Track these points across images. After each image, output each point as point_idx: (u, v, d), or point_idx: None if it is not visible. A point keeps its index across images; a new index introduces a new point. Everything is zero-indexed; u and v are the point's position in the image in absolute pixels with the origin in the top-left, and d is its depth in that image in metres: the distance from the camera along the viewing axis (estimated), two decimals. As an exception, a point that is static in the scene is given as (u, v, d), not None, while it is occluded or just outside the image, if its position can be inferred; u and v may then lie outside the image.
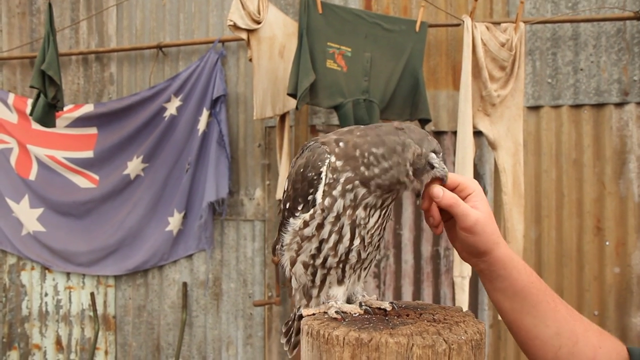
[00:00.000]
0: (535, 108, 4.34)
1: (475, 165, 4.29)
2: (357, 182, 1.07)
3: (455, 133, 4.29)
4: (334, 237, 1.10)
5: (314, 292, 1.16)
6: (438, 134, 4.50)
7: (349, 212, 1.08)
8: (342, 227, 1.09)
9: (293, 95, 3.58)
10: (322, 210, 1.09)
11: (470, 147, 3.69)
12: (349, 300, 1.20)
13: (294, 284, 1.21)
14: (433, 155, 1.08)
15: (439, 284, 4.46)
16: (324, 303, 1.16)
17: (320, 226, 1.10)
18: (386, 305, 1.16)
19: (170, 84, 4.87)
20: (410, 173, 1.07)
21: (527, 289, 1.12)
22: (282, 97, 4.07)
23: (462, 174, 3.65)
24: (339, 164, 1.08)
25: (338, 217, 1.09)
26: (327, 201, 1.09)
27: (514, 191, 3.83)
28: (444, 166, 1.10)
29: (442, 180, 1.10)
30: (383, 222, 1.13)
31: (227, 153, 4.76)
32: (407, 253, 4.52)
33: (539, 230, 4.32)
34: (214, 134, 4.78)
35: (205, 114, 4.78)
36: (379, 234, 1.14)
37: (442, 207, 1.09)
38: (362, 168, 1.07)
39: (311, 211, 1.11)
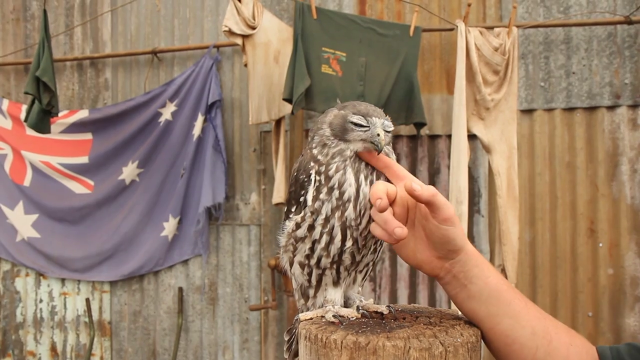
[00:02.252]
0: (528, 111, 4.38)
1: (469, 169, 4.32)
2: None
3: (449, 137, 4.32)
4: (325, 238, 1.11)
5: (311, 292, 1.18)
6: (433, 138, 4.53)
7: (337, 213, 1.10)
8: (332, 229, 1.10)
9: (288, 100, 3.60)
10: (312, 213, 1.11)
11: (465, 151, 3.72)
12: (346, 304, 1.21)
13: (293, 284, 1.23)
14: (357, 116, 1.11)
15: (434, 287, 4.47)
16: (322, 307, 1.17)
17: (311, 227, 1.12)
18: (383, 308, 1.17)
19: (166, 89, 4.88)
20: (328, 133, 1.13)
21: (500, 287, 1.09)
22: (278, 102, 4.09)
23: (457, 177, 3.67)
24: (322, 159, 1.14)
25: (327, 219, 1.10)
26: (316, 204, 1.11)
27: (508, 194, 3.85)
28: (376, 131, 1.10)
29: (373, 145, 1.09)
30: None
31: (224, 158, 4.77)
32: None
33: (533, 232, 4.35)
34: (209, 139, 4.79)
35: (200, 119, 4.79)
36: (375, 237, 1.14)
37: (423, 199, 1.04)
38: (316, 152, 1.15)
39: (302, 213, 1.13)
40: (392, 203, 1.08)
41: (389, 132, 1.13)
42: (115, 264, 5.05)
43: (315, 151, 1.15)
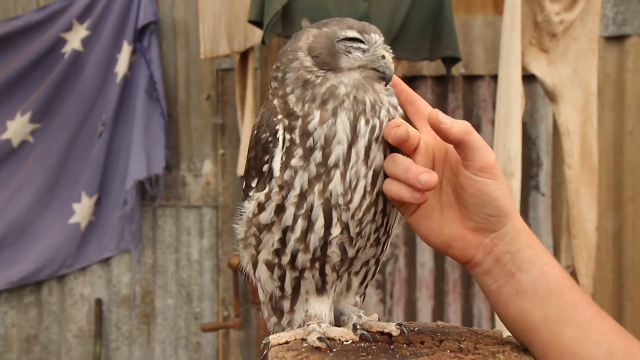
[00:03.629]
0: (617, 39, 4.38)
1: (524, 125, 4.34)
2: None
3: (495, 78, 4.32)
4: (301, 224, 1.12)
5: (286, 304, 1.20)
6: (470, 80, 4.52)
7: (317, 186, 1.10)
8: (310, 209, 1.11)
9: (258, 23, 3.58)
10: (281, 188, 1.12)
11: (518, 99, 3.72)
12: (337, 321, 1.23)
13: (260, 294, 1.24)
14: (351, 31, 1.13)
15: (470, 296, 4.53)
16: (302, 325, 1.18)
17: (280, 209, 1.12)
18: (392, 328, 1.19)
19: (71, 3, 4.83)
20: (309, 62, 1.14)
21: (562, 279, 1.11)
22: (243, 26, 4.06)
23: (506, 138, 3.68)
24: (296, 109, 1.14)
25: (303, 195, 1.11)
26: (286, 174, 1.11)
27: (582, 163, 3.88)
28: (379, 51, 1.13)
29: (377, 73, 1.12)
30: (379, 202, 1.14)
31: (162, 109, 4.75)
32: (424, 252, 4.58)
33: (619, 219, 4.39)
34: (140, 80, 4.77)
35: (126, 50, 4.74)
36: (375, 219, 1.15)
37: (452, 137, 1.07)
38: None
39: (266, 189, 1.14)
40: (413, 152, 1.11)
41: (389, 52, 1.15)
42: None
43: (291, 97, 1.15)
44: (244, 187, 1.22)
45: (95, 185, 4.92)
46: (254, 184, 1.17)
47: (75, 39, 4.84)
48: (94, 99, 4.88)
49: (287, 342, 1.16)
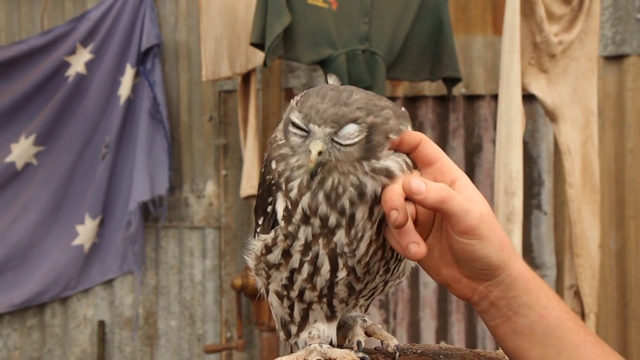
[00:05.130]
0: (616, 58, 4.39)
1: (525, 145, 4.34)
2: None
3: (496, 97, 4.33)
4: (307, 268, 1.13)
5: (293, 329, 1.21)
6: (471, 100, 4.54)
7: (322, 240, 1.11)
8: (316, 257, 1.12)
9: (259, 45, 3.60)
10: (285, 237, 1.13)
11: (519, 119, 3.73)
12: (343, 328, 1.25)
13: (273, 313, 1.26)
14: (297, 115, 1.07)
15: (474, 316, 4.52)
16: (304, 346, 1.19)
17: (286, 253, 1.14)
18: (391, 343, 1.20)
19: (75, 27, 4.86)
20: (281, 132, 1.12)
21: (563, 322, 1.11)
22: (245, 49, 4.08)
23: (507, 158, 3.69)
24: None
25: (308, 246, 1.12)
26: (290, 227, 1.12)
27: (584, 182, 3.88)
28: (311, 144, 1.04)
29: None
30: (385, 243, 1.14)
31: (166, 130, 4.78)
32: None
33: (622, 238, 4.39)
34: (144, 102, 4.79)
35: (129, 72, 4.77)
36: (384, 256, 1.16)
37: (428, 206, 1.06)
38: None
39: (272, 233, 1.15)
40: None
41: (344, 145, 1.05)
42: (2, 288, 5.04)
43: (275, 153, 1.14)
44: (255, 218, 1.22)
45: (99, 207, 4.93)
46: (260, 222, 1.19)
47: (79, 63, 4.87)
48: (98, 121, 4.90)
49: (289, 365, 1.17)
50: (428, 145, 1.11)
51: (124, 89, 4.79)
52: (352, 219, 1.08)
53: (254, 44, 3.63)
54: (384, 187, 1.07)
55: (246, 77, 4.32)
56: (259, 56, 4.00)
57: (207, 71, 4.13)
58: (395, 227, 1.05)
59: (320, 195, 1.08)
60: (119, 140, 4.87)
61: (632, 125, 4.39)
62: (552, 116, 3.94)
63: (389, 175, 1.07)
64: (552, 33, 3.85)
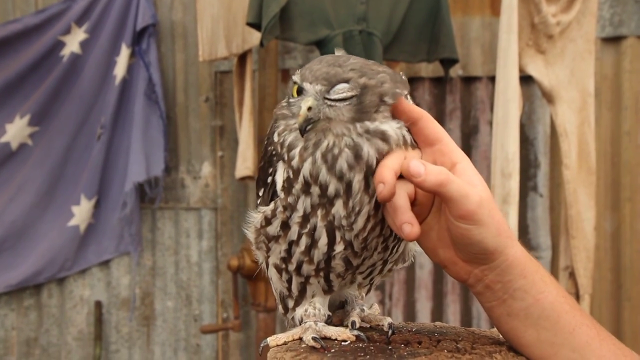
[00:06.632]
0: (614, 40, 4.38)
1: (522, 127, 4.34)
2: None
3: (493, 79, 4.33)
4: (305, 241, 1.14)
5: (290, 303, 1.23)
6: (468, 81, 4.53)
7: (320, 211, 1.12)
8: (314, 229, 1.13)
9: (256, 25, 3.58)
10: (285, 208, 1.14)
11: (516, 100, 3.73)
12: (342, 307, 1.26)
13: (272, 288, 1.28)
14: (296, 75, 1.13)
15: (469, 298, 4.54)
16: (299, 324, 1.20)
17: (285, 225, 1.15)
18: (384, 323, 1.21)
19: (69, 6, 4.82)
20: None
21: (558, 306, 1.11)
22: (241, 29, 4.06)
23: (503, 139, 3.69)
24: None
25: (306, 217, 1.13)
26: (289, 198, 1.13)
27: (580, 164, 3.88)
28: (303, 103, 1.09)
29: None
30: (384, 220, 1.14)
31: (161, 111, 4.76)
32: (422, 253, 4.56)
33: (617, 219, 4.40)
34: (139, 82, 4.77)
35: (125, 52, 4.75)
36: (382, 233, 1.16)
37: (426, 189, 1.06)
38: None
39: (271, 205, 1.16)
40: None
41: (336, 100, 1.08)
42: (-2, 268, 5.05)
43: (278, 113, 1.18)
44: (256, 192, 1.25)
45: (95, 188, 4.92)
46: (260, 194, 1.21)
47: (73, 42, 4.84)
48: (93, 101, 4.88)
49: (285, 343, 1.17)
50: (430, 124, 1.12)
51: (120, 69, 4.77)
52: (349, 187, 1.09)
53: (250, 24, 3.62)
54: (381, 155, 1.08)
55: (242, 58, 4.31)
56: (255, 36, 3.99)
57: (204, 51, 4.11)
58: (380, 201, 1.07)
59: (319, 159, 1.09)
60: (115, 120, 4.86)
61: (629, 108, 4.40)
62: (549, 98, 3.94)
63: (384, 138, 1.08)
64: (550, 13, 3.84)
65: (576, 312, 1.13)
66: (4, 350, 5.19)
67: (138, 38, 4.76)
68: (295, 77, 1.12)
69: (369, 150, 1.08)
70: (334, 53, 1.16)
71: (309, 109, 1.07)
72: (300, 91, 1.11)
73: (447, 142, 1.12)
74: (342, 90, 1.07)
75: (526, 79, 4.07)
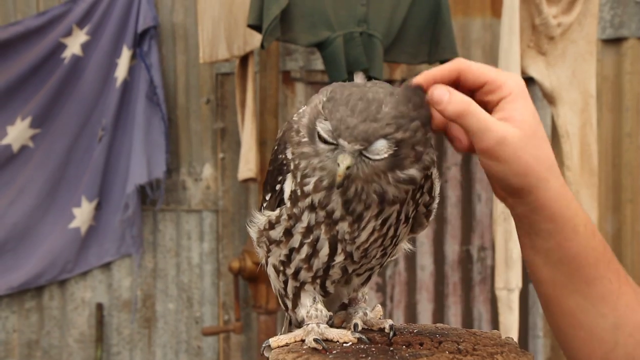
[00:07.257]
0: (614, 41, 4.38)
1: (524, 128, 4.32)
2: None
3: (495, 80, 4.33)
4: (306, 250, 1.15)
5: (289, 303, 1.23)
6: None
7: (324, 227, 1.12)
8: (316, 241, 1.14)
9: (257, 27, 3.59)
10: (289, 217, 1.14)
11: (517, 101, 3.73)
12: (343, 309, 1.27)
13: (272, 284, 1.28)
14: (324, 125, 1.04)
15: (470, 299, 4.53)
16: (302, 325, 1.20)
17: (288, 232, 1.15)
18: (386, 325, 1.21)
19: (70, 8, 4.82)
20: (304, 130, 1.08)
21: (582, 257, 1.09)
22: (242, 31, 4.07)
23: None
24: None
25: (310, 230, 1.13)
26: (295, 209, 1.13)
27: (582, 165, 3.88)
28: (339, 157, 1.03)
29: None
30: (388, 232, 1.15)
31: (163, 113, 4.76)
32: (424, 255, 4.57)
33: (618, 221, 4.39)
34: (140, 84, 4.77)
35: (126, 54, 4.75)
36: (383, 244, 1.17)
37: (448, 117, 1.04)
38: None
39: (277, 211, 1.16)
40: None
41: (373, 160, 1.03)
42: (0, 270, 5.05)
43: (296, 149, 1.12)
44: (262, 195, 1.25)
45: (96, 190, 4.92)
46: (267, 198, 1.20)
47: (75, 44, 4.85)
48: (94, 103, 4.88)
49: (287, 345, 1.17)
50: (469, 72, 1.09)
51: (121, 71, 4.78)
52: (359, 217, 1.09)
53: (251, 26, 3.62)
54: (406, 192, 1.09)
55: (244, 60, 4.31)
56: (256, 38, 3.99)
57: (205, 53, 4.11)
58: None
59: (336, 200, 1.09)
60: (116, 122, 4.86)
61: (630, 109, 4.39)
62: (550, 99, 3.94)
63: (412, 182, 1.07)
64: (551, 15, 3.84)
65: (600, 266, 1.10)
66: (5, 352, 5.19)
67: (139, 40, 4.77)
68: (324, 131, 1.05)
69: (394, 194, 1.07)
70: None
71: (347, 167, 1.02)
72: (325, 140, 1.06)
73: (494, 79, 1.07)
74: (380, 149, 1.02)
75: (527, 80, 4.05)
